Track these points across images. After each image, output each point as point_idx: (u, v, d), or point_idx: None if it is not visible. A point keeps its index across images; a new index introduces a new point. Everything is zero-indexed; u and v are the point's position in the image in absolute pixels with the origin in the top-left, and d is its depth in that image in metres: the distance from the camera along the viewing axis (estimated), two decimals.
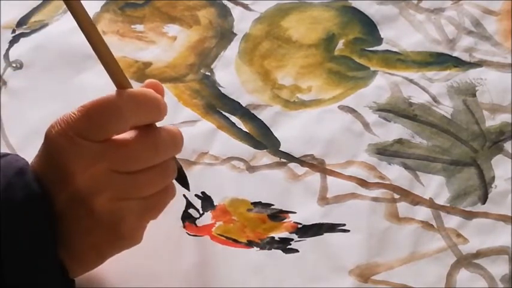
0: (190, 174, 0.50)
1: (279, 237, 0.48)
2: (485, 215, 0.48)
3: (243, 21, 0.59)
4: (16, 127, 0.54)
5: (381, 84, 0.55)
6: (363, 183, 0.50)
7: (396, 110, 0.54)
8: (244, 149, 0.52)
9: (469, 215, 0.49)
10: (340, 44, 0.57)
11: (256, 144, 0.53)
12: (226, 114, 0.54)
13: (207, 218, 0.49)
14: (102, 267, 0.43)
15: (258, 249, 0.48)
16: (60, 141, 0.39)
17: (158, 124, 0.44)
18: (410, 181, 0.50)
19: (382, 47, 0.57)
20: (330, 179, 0.51)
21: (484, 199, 0.49)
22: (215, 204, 0.50)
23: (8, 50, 0.59)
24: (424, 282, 0.46)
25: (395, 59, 0.56)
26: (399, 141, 0.52)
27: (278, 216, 0.49)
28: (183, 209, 0.49)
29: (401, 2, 0.59)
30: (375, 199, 0.49)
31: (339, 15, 0.59)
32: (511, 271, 0.46)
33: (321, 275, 0.47)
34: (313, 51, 0.57)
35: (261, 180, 0.51)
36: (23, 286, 0.39)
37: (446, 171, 0.51)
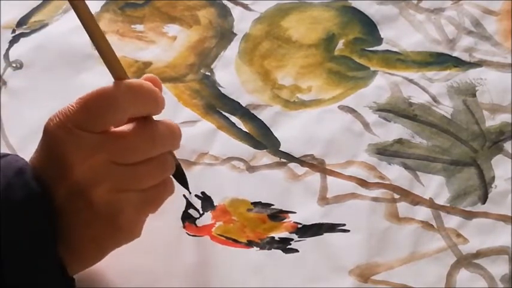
0: (191, 174, 0.50)
1: (279, 237, 0.48)
2: (485, 215, 0.48)
3: (243, 21, 0.59)
4: (16, 127, 0.54)
5: (381, 84, 0.55)
6: (363, 183, 0.50)
7: (396, 110, 0.54)
8: (244, 149, 0.52)
9: (469, 215, 0.49)
10: (340, 44, 0.57)
11: (256, 144, 0.53)
12: (226, 114, 0.54)
13: (207, 218, 0.49)
14: (102, 266, 0.43)
15: (258, 249, 0.48)
16: (59, 133, 0.40)
17: (157, 118, 0.44)
18: (410, 181, 0.50)
19: (382, 47, 0.57)
20: (330, 179, 0.51)
21: (484, 199, 0.49)
22: (215, 204, 0.50)
23: (8, 50, 0.59)
24: (424, 282, 0.46)
25: (395, 59, 0.56)
26: (399, 141, 0.52)
27: (278, 216, 0.49)
28: (183, 209, 0.49)
29: (401, 2, 0.59)
30: (375, 199, 0.49)
31: (339, 15, 0.59)
32: (511, 271, 0.46)
33: (321, 275, 0.47)
34: (313, 51, 0.57)
35: (261, 180, 0.51)
36: (23, 286, 0.39)
37: (446, 171, 0.51)
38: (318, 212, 0.49)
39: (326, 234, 0.48)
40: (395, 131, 0.53)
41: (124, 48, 0.58)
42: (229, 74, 0.56)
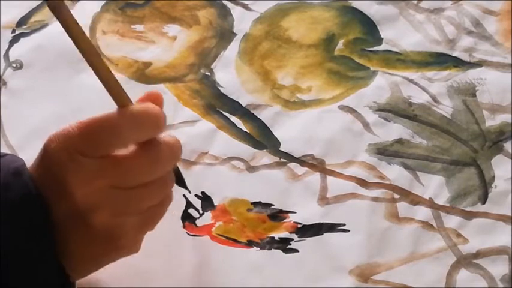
0: (191, 174, 0.50)
1: (279, 237, 0.48)
2: (485, 215, 0.48)
3: (243, 21, 0.59)
4: (16, 127, 0.54)
5: (381, 84, 0.55)
6: (362, 183, 0.50)
7: (396, 110, 0.54)
8: (244, 149, 0.52)
9: (469, 215, 0.49)
10: (340, 44, 0.57)
11: (256, 144, 0.53)
12: (226, 114, 0.54)
13: (207, 218, 0.49)
14: None
15: (258, 249, 0.48)
16: (59, 156, 0.39)
17: None
18: (410, 181, 0.50)
19: (382, 47, 0.57)
20: (329, 179, 0.51)
21: (484, 199, 0.49)
22: (215, 204, 0.50)
23: (8, 50, 0.59)
24: (424, 282, 0.46)
25: (395, 59, 0.56)
26: (399, 141, 0.52)
27: (278, 216, 0.49)
28: (183, 209, 0.49)
29: (401, 2, 0.59)
30: (375, 199, 0.49)
31: (339, 15, 0.59)
32: (511, 271, 0.46)
33: (321, 275, 0.47)
34: (313, 51, 0.57)
35: (261, 180, 0.51)
36: (21, 285, 0.39)
37: (446, 171, 0.51)
38: (318, 212, 0.49)
39: (326, 234, 0.48)
40: (395, 131, 0.53)
41: (124, 48, 0.58)
42: (229, 74, 0.56)
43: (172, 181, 0.44)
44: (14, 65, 0.58)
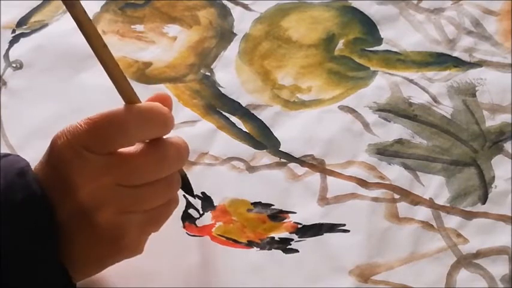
0: (191, 174, 0.50)
1: (279, 238, 0.48)
2: (485, 215, 0.48)
3: (243, 21, 0.59)
4: (16, 127, 0.54)
5: (381, 84, 0.55)
6: (362, 183, 0.50)
7: (396, 110, 0.54)
8: (244, 149, 0.52)
9: (469, 215, 0.49)
10: (340, 44, 0.57)
11: (256, 144, 0.53)
12: (226, 115, 0.54)
13: (207, 219, 0.49)
14: None
15: (258, 249, 0.48)
16: (66, 153, 0.39)
17: None
18: (410, 181, 0.50)
19: (382, 47, 0.57)
20: (330, 179, 0.51)
21: (484, 199, 0.49)
22: (215, 204, 0.50)
23: (8, 50, 0.59)
24: (424, 282, 0.46)
25: (395, 59, 0.56)
26: (399, 141, 0.52)
27: (278, 216, 0.49)
28: (183, 209, 0.49)
29: (401, 2, 0.59)
30: (375, 199, 0.49)
31: (339, 15, 0.59)
32: (511, 271, 0.46)
33: (321, 275, 0.47)
34: (313, 51, 0.57)
35: (261, 181, 0.51)
36: (23, 286, 0.39)
37: (446, 171, 0.51)
38: (318, 212, 0.49)
39: (326, 235, 0.48)
40: (395, 131, 0.53)
41: (124, 49, 0.58)
42: (229, 74, 0.56)
43: (178, 183, 0.44)
44: (14, 65, 0.58)
